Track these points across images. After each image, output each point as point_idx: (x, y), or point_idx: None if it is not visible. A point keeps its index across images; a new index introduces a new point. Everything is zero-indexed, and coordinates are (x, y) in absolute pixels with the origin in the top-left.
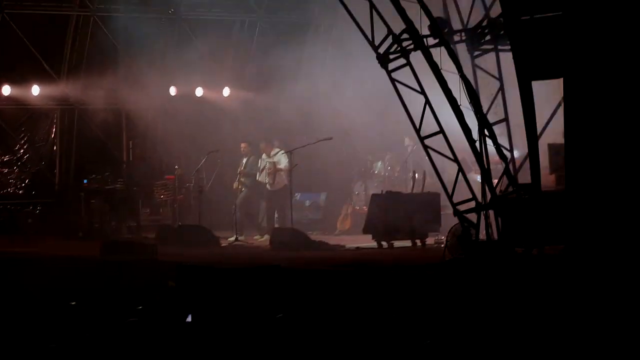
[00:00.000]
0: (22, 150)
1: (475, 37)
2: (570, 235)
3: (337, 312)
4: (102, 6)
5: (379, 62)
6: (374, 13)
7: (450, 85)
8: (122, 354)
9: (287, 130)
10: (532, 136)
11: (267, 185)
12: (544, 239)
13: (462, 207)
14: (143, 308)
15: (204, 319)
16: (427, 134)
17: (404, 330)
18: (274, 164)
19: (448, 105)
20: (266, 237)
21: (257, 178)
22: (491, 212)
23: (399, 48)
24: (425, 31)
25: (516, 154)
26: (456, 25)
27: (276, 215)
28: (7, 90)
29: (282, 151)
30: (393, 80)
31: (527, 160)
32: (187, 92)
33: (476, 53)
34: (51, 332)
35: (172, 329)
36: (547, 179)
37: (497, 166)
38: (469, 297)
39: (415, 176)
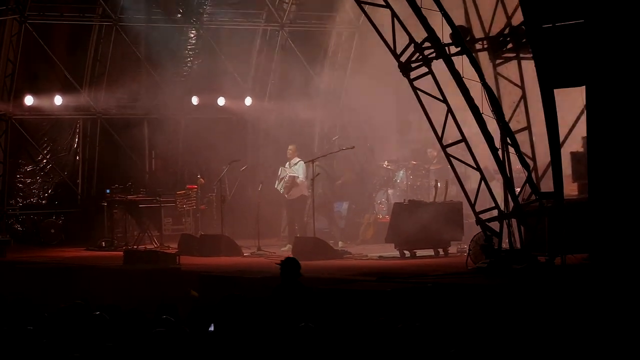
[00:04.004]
0: (45, 160)
1: (497, 45)
2: (593, 244)
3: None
4: (124, 16)
5: (400, 71)
6: (396, 21)
7: (472, 94)
8: None
9: (310, 139)
10: (555, 144)
11: (281, 189)
12: (566, 247)
13: (484, 216)
14: (167, 318)
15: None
16: (450, 143)
17: (428, 338)
18: (293, 178)
19: (470, 113)
20: (289, 246)
21: (275, 186)
22: (514, 221)
23: (420, 56)
24: (447, 39)
25: (539, 162)
26: (478, 33)
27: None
28: (30, 100)
29: (302, 162)
30: (415, 89)
31: (550, 169)
32: (209, 102)
33: (498, 61)
34: (75, 342)
35: (196, 339)
36: (570, 187)
37: (519, 174)
38: (494, 306)
39: (437, 185)
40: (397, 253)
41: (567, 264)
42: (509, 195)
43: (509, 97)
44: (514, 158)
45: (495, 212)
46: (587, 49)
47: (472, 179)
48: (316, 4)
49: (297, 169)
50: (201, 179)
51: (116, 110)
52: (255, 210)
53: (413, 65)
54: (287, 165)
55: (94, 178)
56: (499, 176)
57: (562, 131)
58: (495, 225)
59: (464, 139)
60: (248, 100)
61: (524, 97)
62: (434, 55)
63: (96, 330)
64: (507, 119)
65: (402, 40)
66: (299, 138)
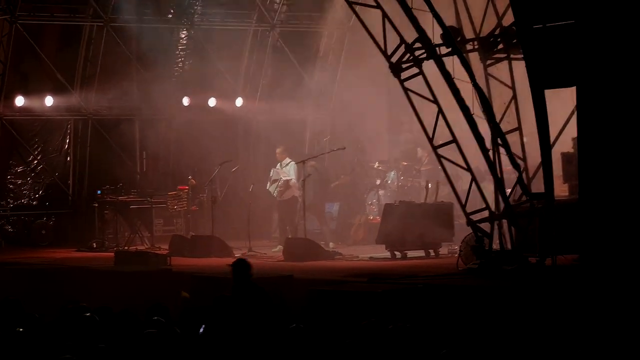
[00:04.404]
0: (35, 161)
1: (488, 46)
2: (584, 244)
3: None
4: (115, 16)
5: (391, 71)
6: (387, 22)
7: (463, 94)
8: None
9: (300, 140)
10: (545, 145)
11: (274, 193)
12: (557, 248)
13: (475, 217)
14: (158, 319)
15: (218, 329)
16: (441, 143)
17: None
18: (287, 182)
19: (461, 114)
20: (279, 247)
21: (267, 188)
22: (504, 222)
23: (411, 57)
24: (437, 40)
25: (529, 163)
26: (469, 34)
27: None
28: (20, 101)
29: (293, 162)
30: (406, 90)
31: (541, 170)
32: (200, 102)
33: (489, 62)
34: (65, 343)
35: (186, 340)
36: (561, 188)
37: (510, 175)
38: (485, 306)
39: (428, 186)
40: (388, 254)
41: (558, 264)
42: (500, 196)
43: (499, 97)
44: (504, 159)
45: (486, 213)
46: (578, 50)
47: (463, 180)
48: (307, 4)
49: (288, 169)
50: (192, 180)
51: (107, 111)
52: (246, 211)
53: (404, 65)
54: (278, 166)
55: (85, 179)
56: (490, 177)
57: (553, 132)
58: (486, 226)
59: (454, 140)
60: (239, 101)
61: (514, 97)
62: (424, 55)
63: (87, 332)
64: (497, 119)
65: (392, 40)
66: (289, 139)
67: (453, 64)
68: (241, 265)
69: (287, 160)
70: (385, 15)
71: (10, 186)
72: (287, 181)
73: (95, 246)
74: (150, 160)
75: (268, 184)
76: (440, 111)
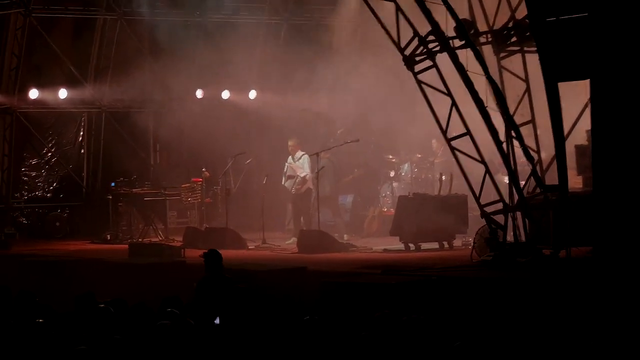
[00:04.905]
0: (49, 154)
1: (501, 39)
2: (598, 237)
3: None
4: (128, 9)
5: (405, 64)
6: (400, 15)
7: (477, 87)
8: (151, 357)
9: (314, 132)
10: (559, 138)
11: (292, 190)
12: (571, 240)
13: (489, 209)
14: (171, 311)
15: (231, 321)
16: (454, 136)
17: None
18: (304, 178)
19: (475, 107)
20: (293, 239)
21: (283, 183)
22: (518, 214)
23: (425, 50)
24: (451, 33)
25: (543, 155)
26: (482, 26)
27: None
28: (34, 93)
29: (306, 155)
30: (419, 82)
31: (554, 162)
32: (213, 95)
33: (502, 54)
34: (80, 334)
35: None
36: (574, 180)
37: (524, 168)
38: (499, 299)
39: (442, 178)
40: (401, 246)
41: (572, 257)
42: (514, 189)
43: (513, 90)
44: (518, 151)
45: (500, 205)
46: (591, 43)
47: (476, 172)
48: None
49: (302, 163)
50: (206, 172)
51: (121, 103)
52: (260, 203)
53: (417, 58)
54: (290, 160)
55: (99, 171)
56: (504, 169)
57: (567, 124)
58: (500, 219)
59: (468, 132)
60: (252, 94)
61: (528, 90)
62: (438, 48)
63: (102, 323)
64: (511, 112)
65: (406, 33)
66: (303, 131)
67: (466, 56)
68: (213, 255)
69: (300, 153)
70: (398, 8)
71: (25, 178)
72: (304, 177)
73: (109, 238)
74: (163, 153)
75: (283, 180)
76: (454, 104)
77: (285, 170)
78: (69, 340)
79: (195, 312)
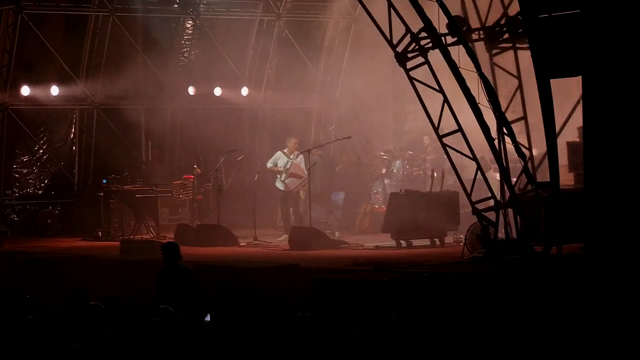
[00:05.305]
0: (41, 151)
1: (494, 35)
2: (589, 233)
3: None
4: (120, 6)
5: (397, 61)
6: (392, 11)
7: (469, 84)
8: (142, 354)
9: (306, 129)
10: (551, 134)
11: (293, 188)
12: (562, 237)
13: (480, 206)
14: (164, 308)
15: (222, 318)
16: (446, 133)
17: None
18: (307, 178)
19: (467, 103)
20: (285, 236)
21: (282, 179)
22: (510, 211)
23: (417, 46)
24: (443, 29)
25: (535, 152)
26: (474, 23)
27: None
28: (26, 90)
29: (301, 155)
30: (411, 79)
31: (546, 159)
32: (205, 92)
33: (494, 51)
34: (70, 331)
35: (193, 329)
36: (566, 177)
37: (515, 164)
38: (490, 295)
39: (434, 175)
40: (393, 243)
41: (563, 253)
42: (505, 185)
43: (505, 87)
44: (510, 148)
45: (491, 202)
46: (584, 39)
47: (468, 169)
48: None
49: (300, 162)
50: (198, 169)
51: (113, 100)
52: (251, 200)
53: (409, 55)
54: (292, 157)
55: (90, 168)
56: (495, 166)
57: (559, 121)
58: (491, 215)
59: (460, 129)
60: (244, 91)
61: (520, 87)
62: (430, 45)
63: (93, 320)
64: (503, 109)
65: (398, 30)
66: (295, 128)
67: (459, 53)
68: (170, 248)
69: (296, 152)
70: (391, 5)
71: (16, 175)
72: (307, 178)
73: (100, 235)
74: (155, 150)
75: (283, 176)
76: (446, 100)
77: (287, 167)
78: (60, 337)
79: (158, 303)
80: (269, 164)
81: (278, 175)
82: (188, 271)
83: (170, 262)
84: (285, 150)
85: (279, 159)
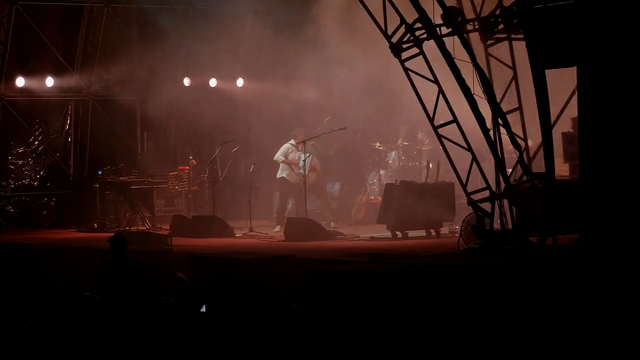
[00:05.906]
0: (36, 142)
1: (489, 26)
2: (584, 224)
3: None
4: None
5: (392, 52)
6: (387, 2)
7: (464, 75)
8: (140, 344)
9: (301, 120)
10: (546, 125)
11: (295, 178)
12: (558, 228)
13: (476, 197)
14: (162, 299)
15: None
16: (441, 123)
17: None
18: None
19: (461, 94)
20: (278, 227)
21: (300, 171)
22: (505, 202)
23: (412, 37)
24: (438, 20)
25: (530, 143)
26: (469, 14)
27: (289, 206)
28: (21, 81)
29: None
30: (406, 70)
31: (541, 149)
32: (201, 83)
33: (489, 42)
34: (65, 323)
35: (188, 320)
36: (561, 167)
37: (511, 155)
38: (486, 286)
39: (429, 166)
40: (389, 234)
41: (559, 244)
42: (501, 176)
43: (500, 77)
44: (505, 139)
45: (486, 193)
46: (579, 30)
47: (463, 160)
48: None
49: (300, 155)
50: (193, 160)
51: (108, 92)
52: (247, 192)
53: (404, 46)
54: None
55: (85, 160)
56: (490, 157)
57: (554, 112)
58: (486, 206)
59: (455, 120)
60: (240, 81)
61: (515, 77)
62: (425, 36)
63: (87, 311)
64: (498, 99)
65: (393, 21)
66: (290, 119)
67: (453, 44)
68: (118, 239)
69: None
70: None
71: (11, 167)
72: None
73: (96, 227)
74: (151, 141)
75: (302, 170)
76: (441, 91)
77: (307, 161)
78: (54, 328)
79: (100, 292)
80: (280, 157)
81: (292, 167)
82: (136, 263)
83: (117, 254)
84: (292, 142)
85: (290, 152)
